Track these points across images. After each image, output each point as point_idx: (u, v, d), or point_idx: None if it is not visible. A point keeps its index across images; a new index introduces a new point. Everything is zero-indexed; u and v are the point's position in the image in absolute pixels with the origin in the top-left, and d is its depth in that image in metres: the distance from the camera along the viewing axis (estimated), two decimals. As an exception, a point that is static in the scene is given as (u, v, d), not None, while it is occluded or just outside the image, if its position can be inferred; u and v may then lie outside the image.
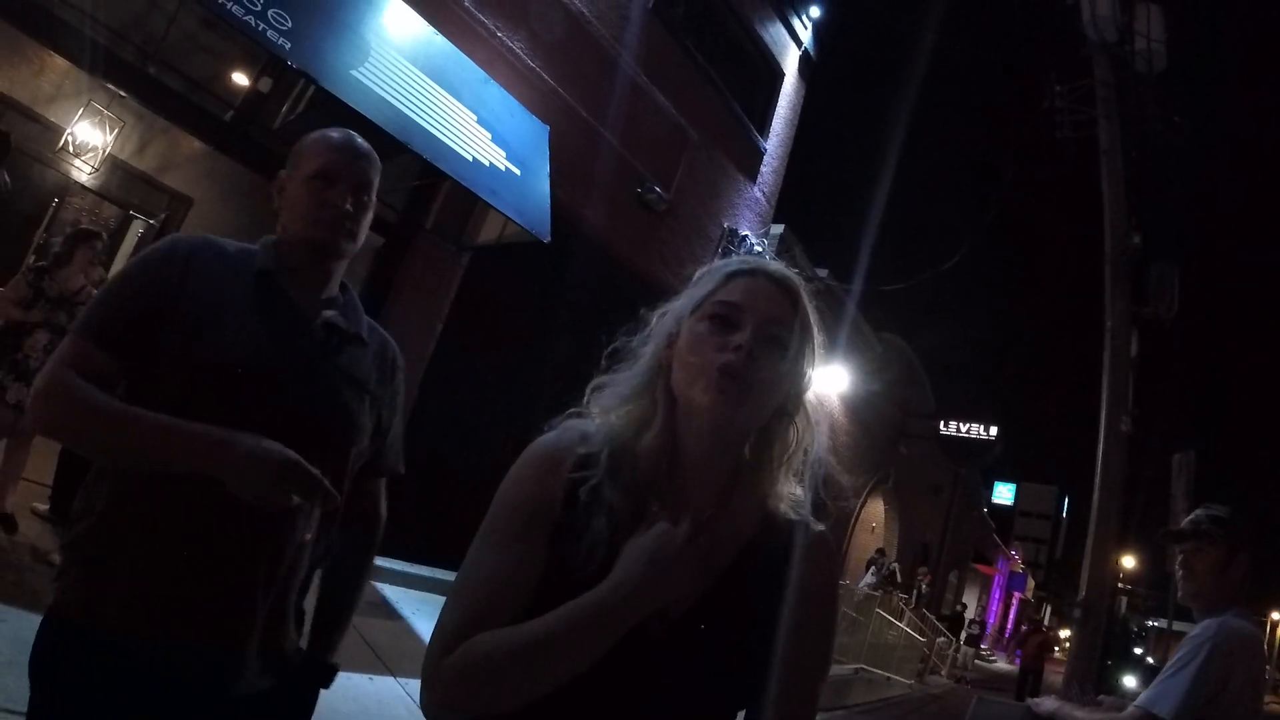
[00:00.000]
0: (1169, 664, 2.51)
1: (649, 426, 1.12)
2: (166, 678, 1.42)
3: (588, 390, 1.20)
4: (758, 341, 1.07)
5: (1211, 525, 2.63)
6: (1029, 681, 17.36)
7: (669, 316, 1.17)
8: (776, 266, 1.16)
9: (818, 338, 1.16)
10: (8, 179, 6.79)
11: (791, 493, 1.17)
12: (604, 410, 1.17)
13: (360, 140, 1.71)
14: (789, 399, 1.14)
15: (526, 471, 1.12)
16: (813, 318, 1.16)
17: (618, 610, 0.97)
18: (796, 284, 1.15)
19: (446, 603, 1.06)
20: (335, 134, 1.70)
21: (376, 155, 1.74)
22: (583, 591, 0.99)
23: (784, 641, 1.09)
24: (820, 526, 1.19)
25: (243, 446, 1.38)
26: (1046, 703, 2.81)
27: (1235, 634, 2.44)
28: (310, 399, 1.57)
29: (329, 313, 1.65)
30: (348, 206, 1.64)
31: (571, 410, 1.20)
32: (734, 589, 1.09)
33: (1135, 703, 2.51)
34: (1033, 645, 17.73)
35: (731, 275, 1.14)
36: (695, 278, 1.20)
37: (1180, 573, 2.69)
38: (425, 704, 1.00)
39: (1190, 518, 2.73)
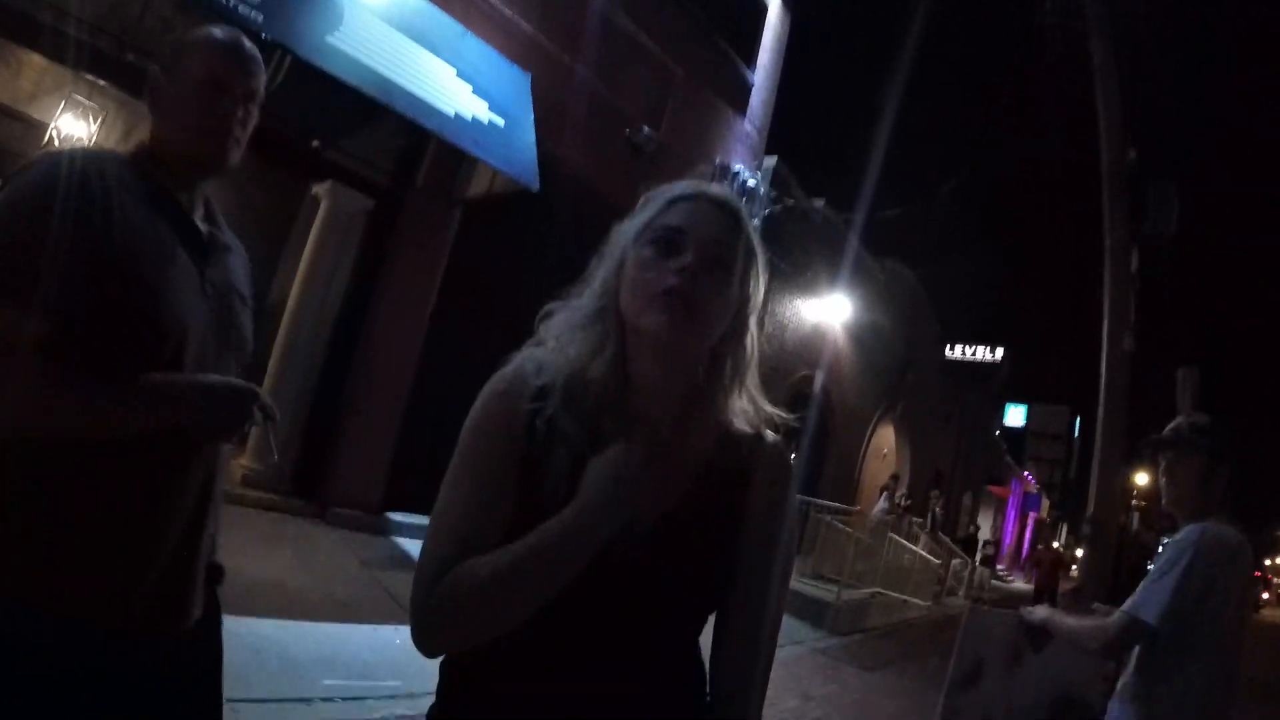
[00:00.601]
0: (1153, 569, 2.53)
1: (601, 352, 1.13)
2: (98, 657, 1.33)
3: (537, 318, 1.22)
4: (701, 263, 1.08)
5: (1192, 433, 2.67)
6: (1043, 600, 17.62)
7: (616, 242, 1.19)
8: (718, 189, 1.18)
9: (761, 258, 1.18)
10: None
11: (745, 408, 1.21)
12: (555, 338, 1.18)
13: (248, 42, 1.56)
14: (738, 319, 1.16)
15: (489, 404, 1.14)
16: (756, 238, 1.18)
17: (584, 530, 1.01)
18: (737, 205, 1.17)
19: (427, 536, 1.10)
20: (221, 34, 1.54)
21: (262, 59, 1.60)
22: (552, 509, 1.03)
23: (747, 548, 1.16)
24: (774, 436, 1.23)
25: (196, 389, 1.34)
26: (1039, 611, 2.85)
27: (1218, 539, 2.46)
28: (219, 324, 1.50)
29: (205, 226, 1.54)
30: (240, 116, 1.52)
31: (530, 341, 1.21)
32: (696, 504, 1.13)
33: (1121, 608, 2.55)
34: (1047, 564, 17.97)
35: (673, 201, 1.15)
36: (640, 203, 1.21)
37: (1164, 480, 2.72)
38: (416, 636, 1.04)
39: (1172, 425, 2.76)
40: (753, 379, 1.21)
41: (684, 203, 1.15)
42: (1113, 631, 2.50)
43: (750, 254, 1.16)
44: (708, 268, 1.09)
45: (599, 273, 1.18)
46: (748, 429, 1.20)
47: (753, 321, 1.19)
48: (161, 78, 1.53)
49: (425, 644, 1.05)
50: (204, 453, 1.45)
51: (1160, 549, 2.75)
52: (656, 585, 1.10)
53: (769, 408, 1.23)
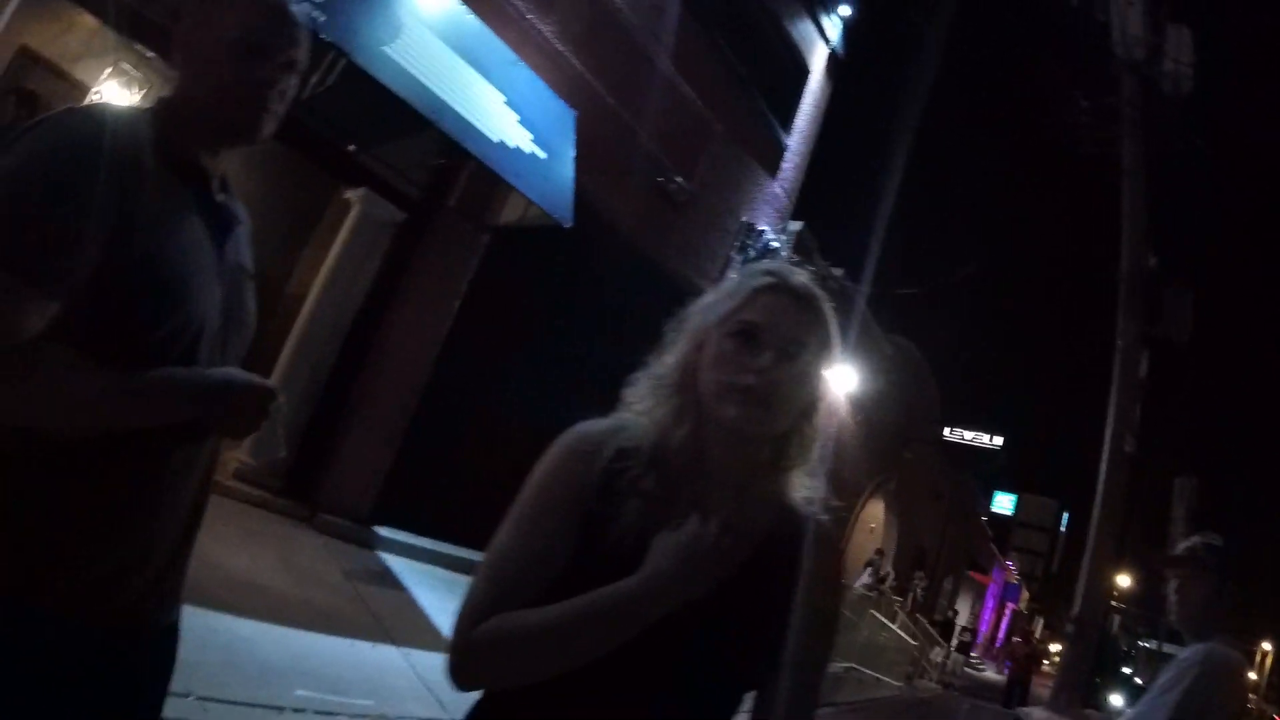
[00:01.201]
0: (1155, 685, 2.58)
1: (679, 426, 1.17)
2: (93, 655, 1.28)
3: (624, 386, 1.25)
4: (778, 363, 1.12)
5: (1207, 554, 2.69)
6: (1016, 692, 17.44)
7: (695, 319, 1.22)
8: (799, 279, 1.20)
9: (835, 345, 1.20)
10: None
11: (805, 485, 1.23)
12: (640, 402, 1.22)
13: (293, 5, 1.42)
14: (806, 405, 1.19)
15: (564, 456, 1.17)
16: (832, 328, 1.20)
17: (647, 601, 1.03)
18: (818, 299, 1.19)
19: (477, 576, 1.12)
20: None
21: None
22: (607, 576, 1.04)
23: (792, 627, 1.15)
24: (824, 518, 1.25)
25: (218, 385, 1.27)
26: (1036, 713, 2.88)
27: (1222, 661, 2.50)
28: (229, 304, 1.41)
29: (221, 196, 1.43)
30: (279, 87, 1.39)
31: (619, 406, 1.25)
32: (751, 579, 1.13)
33: (1122, 719, 2.57)
34: (1021, 656, 17.83)
35: (757, 291, 1.18)
36: (723, 286, 1.24)
37: (1174, 597, 2.74)
38: (452, 671, 1.06)
39: (1187, 544, 2.80)
40: (814, 457, 1.24)
41: (766, 296, 1.17)
42: None
43: (825, 345, 1.18)
44: (784, 365, 1.13)
45: (679, 347, 1.21)
46: (804, 507, 1.23)
47: (820, 406, 1.22)
48: (190, 28, 1.38)
49: (459, 678, 1.07)
50: (206, 446, 1.40)
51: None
52: (703, 656, 1.10)
53: (823, 487, 1.25)
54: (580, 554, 1.10)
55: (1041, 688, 20.26)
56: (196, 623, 1.49)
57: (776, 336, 1.14)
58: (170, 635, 1.46)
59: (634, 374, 1.26)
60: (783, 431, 1.19)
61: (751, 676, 1.17)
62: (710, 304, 1.21)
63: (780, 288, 1.18)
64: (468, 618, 1.06)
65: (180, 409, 1.25)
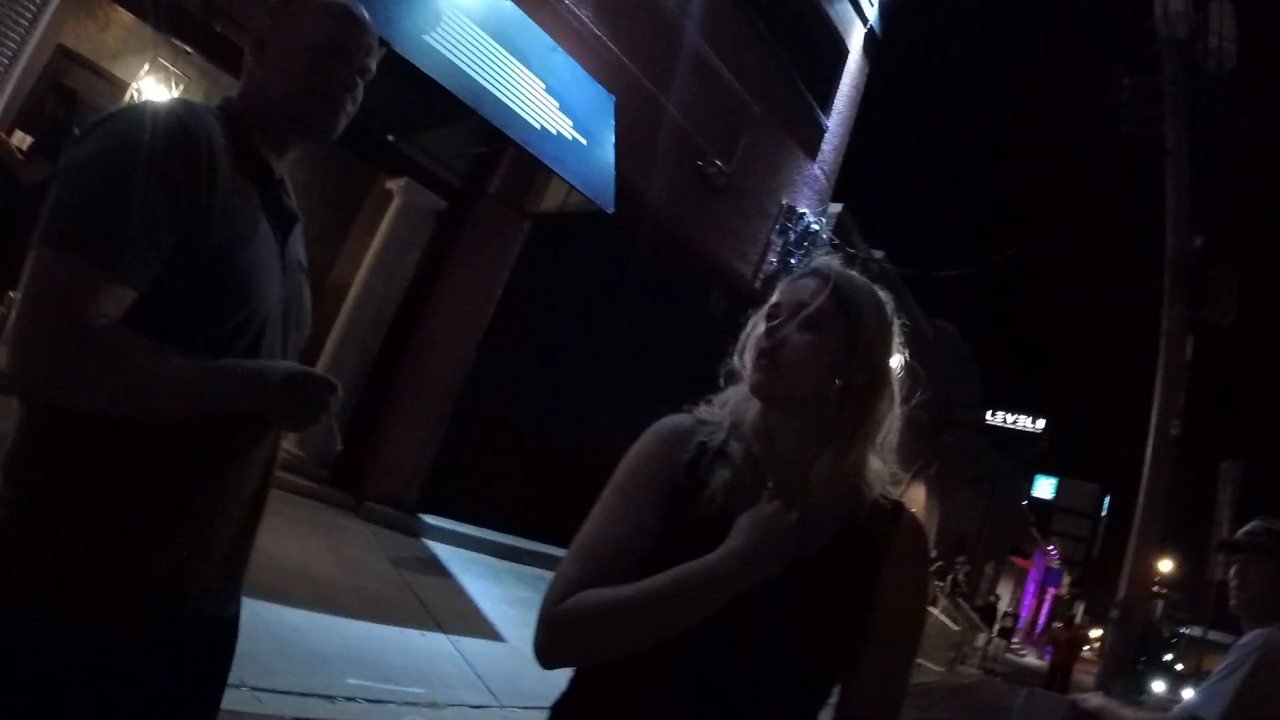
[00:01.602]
0: (1217, 670, 2.57)
1: (747, 408, 1.26)
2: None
3: (721, 373, 1.32)
4: (787, 325, 1.20)
5: (1267, 538, 2.67)
6: (1057, 678, 17.25)
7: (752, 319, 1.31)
8: (824, 261, 1.28)
9: (872, 317, 1.23)
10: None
11: (878, 471, 1.24)
12: (719, 397, 1.30)
13: (364, 10, 1.49)
14: (849, 374, 1.20)
15: (654, 442, 1.24)
16: (859, 300, 1.23)
17: (726, 577, 1.05)
18: (830, 273, 1.24)
19: (568, 554, 1.15)
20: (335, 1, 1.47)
21: None
22: (693, 553, 1.07)
23: (880, 620, 1.16)
24: (913, 512, 1.27)
25: (283, 378, 1.26)
26: (1093, 699, 2.87)
27: None
28: (289, 302, 1.45)
29: (285, 197, 1.48)
30: (355, 92, 1.46)
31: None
32: (831, 564, 1.16)
33: (1181, 705, 2.56)
34: (1063, 642, 17.62)
35: (791, 280, 1.28)
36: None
37: (1234, 582, 2.73)
38: (538, 645, 1.09)
39: (1246, 529, 2.77)
40: (888, 440, 1.26)
41: (796, 281, 1.27)
42: None
43: (852, 313, 1.21)
44: (796, 328, 1.19)
45: (743, 341, 1.30)
46: (888, 498, 1.25)
47: (884, 382, 1.24)
48: (272, 29, 1.43)
49: (545, 655, 1.09)
50: (267, 440, 1.42)
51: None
52: (784, 634, 1.12)
53: (899, 472, 1.28)
54: (668, 532, 1.14)
55: (1083, 674, 20.07)
56: (248, 613, 1.50)
57: (787, 306, 1.22)
58: (231, 627, 1.48)
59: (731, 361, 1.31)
60: (822, 399, 1.19)
61: (833, 665, 1.17)
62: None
63: (806, 272, 1.27)
64: (556, 594, 1.09)
65: (246, 399, 1.25)
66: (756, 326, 1.26)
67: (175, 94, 8.78)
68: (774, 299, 1.26)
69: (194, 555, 1.31)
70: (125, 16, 7.34)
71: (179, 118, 1.25)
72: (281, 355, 1.41)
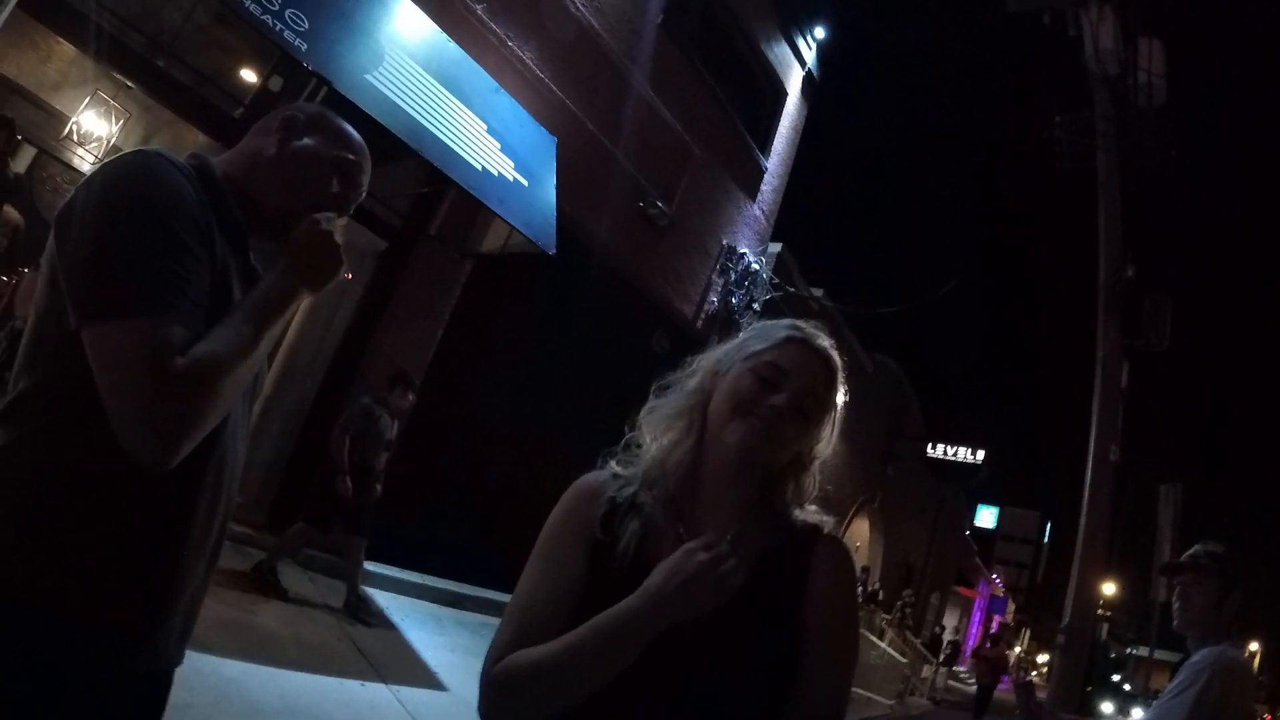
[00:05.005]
0: (1168, 689, 2.67)
1: (680, 444, 1.28)
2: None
3: (640, 414, 1.35)
4: (790, 408, 1.23)
5: (1209, 560, 2.78)
6: (987, 697, 16.76)
7: (716, 354, 1.34)
8: (825, 343, 1.32)
9: (841, 405, 1.33)
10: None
11: (806, 490, 1.33)
12: (651, 427, 1.32)
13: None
14: (806, 454, 1.30)
15: (570, 500, 1.29)
16: (842, 390, 1.32)
17: (640, 618, 1.06)
18: (837, 363, 1.31)
19: (501, 620, 1.20)
20: (357, 136, 1.62)
21: None
22: (616, 597, 1.09)
23: (812, 638, 1.18)
24: (832, 527, 1.32)
25: (285, 258, 1.38)
26: (1064, 717, 2.91)
27: (1233, 664, 2.60)
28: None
29: (251, 255, 1.52)
30: (346, 211, 1.59)
31: (607, 451, 1.36)
32: (754, 593, 1.16)
33: None
34: (989, 661, 16.96)
35: (787, 341, 1.29)
36: (750, 329, 1.37)
37: (1177, 603, 2.84)
38: (480, 708, 1.13)
39: (1190, 552, 2.86)
40: (814, 468, 1.34)
41: (794, 347, 1.29)
42: None
43: (832, 404, 1.31)
44: (795, 414, 1.24)
45: (697, 377, 1.33)
46: (807, 523, 1.30)
47: (819, 459, 1.33)
48: (298, 136, 1.54)
49: (487, 717, 1.14)
50: (226, 493, 1.44)
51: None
52: (716, 674, 1.14)
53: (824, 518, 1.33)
54: (591, 585, 1.18)
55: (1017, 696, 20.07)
56: (184, 664, 1.47)
57: (795, 384, 1.25)
58: (165, 681, 1.48)
59: (651, 402, 1.35)
60: (775, 471, 1.28)
61: (766, 697, 1.16)
62: (738, 344, 1.33)
63: (807, 344, 1.30)
64: (492, 656, 1.14)
65: (283, 294, 1.35)
66: (745, 379, 1.26)
67: (115, 128, 8.63)
68: (778, 361, 1.27)
69: (166, 605, 1.33)
70: (67, 49, 7.23)
71: (174, 166, 1.31)
72: (244, 409, 1.47)
